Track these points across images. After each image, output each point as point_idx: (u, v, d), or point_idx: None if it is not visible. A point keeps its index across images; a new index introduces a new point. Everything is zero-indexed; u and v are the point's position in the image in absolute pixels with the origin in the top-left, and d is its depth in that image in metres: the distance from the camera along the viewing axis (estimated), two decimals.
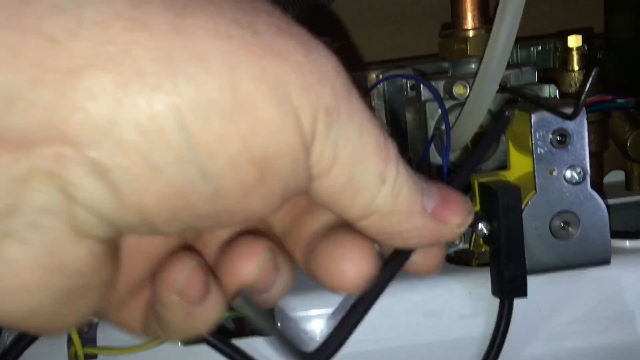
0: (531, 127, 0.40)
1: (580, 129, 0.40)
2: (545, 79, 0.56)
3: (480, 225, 0.42)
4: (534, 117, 0.39)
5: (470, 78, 0.47)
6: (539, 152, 0.40)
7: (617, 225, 0.62)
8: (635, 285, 0.43)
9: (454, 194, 0.20)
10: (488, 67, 0.41)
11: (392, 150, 0.18)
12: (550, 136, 0.40)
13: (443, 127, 0.43)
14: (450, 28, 0.51)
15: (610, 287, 0.43)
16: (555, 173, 0.40)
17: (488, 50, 0.41)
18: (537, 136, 0.40)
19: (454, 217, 0.20)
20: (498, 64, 0.41)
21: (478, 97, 0.41)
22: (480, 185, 0.43)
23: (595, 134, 0.55)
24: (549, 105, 0.38)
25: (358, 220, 0.19)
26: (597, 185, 0.57)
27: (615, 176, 0.59)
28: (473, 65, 0.49)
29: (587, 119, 0.54)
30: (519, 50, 0.57)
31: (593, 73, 0.33)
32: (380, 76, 0.57)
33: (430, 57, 0.59)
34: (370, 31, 0.77)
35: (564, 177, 0.40)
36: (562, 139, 0.39)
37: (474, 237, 0.44)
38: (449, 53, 0.50)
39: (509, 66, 0.50)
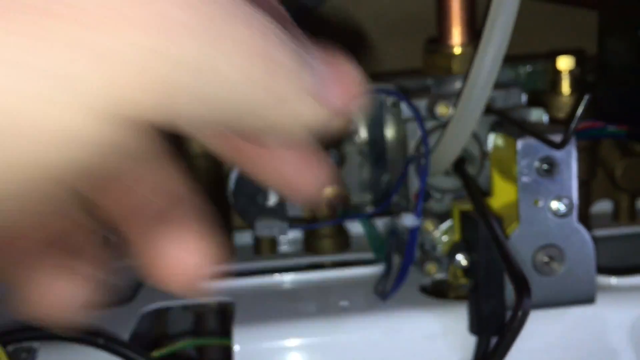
0: (517, 153, 0.37)
1: (569, 158, 0.37)
2: (534, 102, 0.53)
3: (459, 257, 0.39)
4: (520, 144, 0.37)
5: (454, 97, 0.44)
6: (523, 181, 0.37)
7: (604, 258, 0.59)
8: (619, 324, 0.41)
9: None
10: (473, 87, 0.38)
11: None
12: (536, 164, 0.37)
13: (423, 149, 0.40)
14: (435, 43, 0.48)
15: (594, 327, 0.40)
16: (540, 204, 0.37)
17: (474, 69, 0.39)
18: (523, 164, 0.37)
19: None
20: (484, 84, 0.38)
21: (462, 119, 0.39)
22: (462, 213, 0.40)
23: (583, 162, 0.52)
24: (537, 132, 0.35)
25: None
26: (584, 215, 0.54)
27: (602, 205, 0.57)
28: (458, 84, 0.47)
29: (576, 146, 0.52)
30: (507, 71, 0.54)
31: (584, 101, 0.30)
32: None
33: (414, 72, 0.56)
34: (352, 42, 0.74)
35: (550, 209, 0.37)
36: (549, 168, 0.37)
37: (452, 268, 0.41)
38: (433, 69, 0.47)
39: (496, 86, 0.47)
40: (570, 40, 0.61)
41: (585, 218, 0.54)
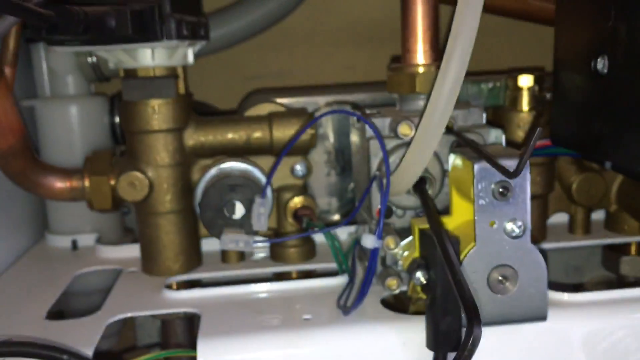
0: (474, 177, 0.38)
1: (523, 183, 0.38)
2: (495, 117, 0.55)
3: (418, 274, 0.41)
4: (476, 167, 0.38)
5: (417, 115, 0.46)
6: (480, 203, 0.39)
7: (559, 267, 0.62)
8: (572, 339, 0.43)
9: None
10: (435, 109, 0.39)
11: None
12: (492, 188, 0.38)
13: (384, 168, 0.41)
14: (399, 61, 0.49)
15: (548, 341, 0.42)
16: (495, 225, 0.39)
17: (435, 90, 0.40)
18: (480, 187, 0.38)
19: None
20: (445, 106, 0.39)
21: (423, 140, 0.40)
22: (420, 231, 0.42)
23: (541, 176, 0.54)
24: (493, 158, 0.36)
25: None
26: (541, 227, 0.56)
27: (559, 217, 0.59)
28: (421, 102, 0.48)
29: (534, 161, 0.54)
30: (469, 87, 0.55)
31: (537, 134, 0.32)
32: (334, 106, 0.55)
33: (384, 83, 0.57)
34: (323, 50, 0.75)
35: (505, 230, 0.39)
36: (505, 191, 0.38)
37: (412, 282, 0.43)
38: (397, 87, 0.48)
39: (458, 105, 0.49)
40: (534, 56, 0.62)
41: (542, 230, 0.57)
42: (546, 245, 0.56)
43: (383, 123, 0.45)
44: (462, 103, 0.50)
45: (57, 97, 0.63)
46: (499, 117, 0.55)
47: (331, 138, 0.62)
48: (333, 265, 0.51)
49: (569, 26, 0.40)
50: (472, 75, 0.59)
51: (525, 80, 0.53)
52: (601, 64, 0.37)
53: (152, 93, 0.49)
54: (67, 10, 0.36)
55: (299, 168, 0.54)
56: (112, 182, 0.51)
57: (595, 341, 0.43)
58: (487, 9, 0.67)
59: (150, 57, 0.49)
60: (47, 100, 0.63)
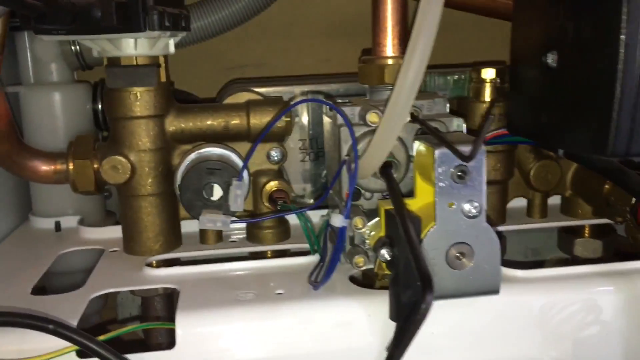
0: (434, 162, 0.41)
1: (479, 167, 0.42)
2: (456, 111, 0.58)
3: (383, 251, 0.44)
4: (437, 153, 0.41)
5: (385, 105, 0.49)
6: (440, 186, 0.42)
7: (518, 249, 0.66)
8: (525, 312, 0.46)
9: None
10: (398, 98, 0.42)
11: None
12: (451, 171, 0.42)
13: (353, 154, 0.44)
14: (369, 53, 0.52)
15: (501, 315, 0.46)
16: (454, 206, 0.42)
17: (398, 81, 0.43)
18: (440, 171, 0.42)
19: None
20: (407, 96, 0.42)
21: (387, 127, 0.43)
22: (386, 212, 0.45)
23: (501, 163, 0.58)
24: (451, 144, 0.40)
25: None
26: (501, 211, 0.60)
27: (518, 202, 0.62)
28: (389, 93, 0.51)
29: (495, 149, 0.57)
30: (435, 78, 0.59)
31: (488, 121, 0.35)
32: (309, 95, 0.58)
33: (357, 74, 0.60)
34: (300, 42, 0.78)
35: (462, 211, 0.42)
36: (462, 175, 0.42)
37: (378, 260, 0.46)
38: (367, 79, 0.51)
39: (423, 95, 0.52)
40: (499, 50, 0.66)
41: (502, 213, 0.60)
42: (505, 228, 0.60)
43: (353, 111, 0.48)
44: (427, 93, 0.53)
45: (41, 84, 0.65)
46: (463, 107, 0.58)
47: (306, 126, 0.65)
48: (306, 246, 0.54)
49: (524, 23, 0.43)
50: (439, 67, 0.63)
51: (488, 73, 0.57)
52: (551, 59, 0.40)
53: (134, 81, 0.51)
54: (55, 0, 0.38)
55: (274, 154, 0.57)
56: (96, 166, 0.54)
57: (548, 314, 0.46)
58: (456, 5, 0.71)
59: (133, 46, 0.51)
60: (31, 86, 0.65)
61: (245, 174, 0.53)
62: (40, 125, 0.64)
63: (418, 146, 0.46)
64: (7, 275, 0.52)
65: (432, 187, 0.43)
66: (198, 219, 0.49)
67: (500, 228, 0.60)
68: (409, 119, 0.45)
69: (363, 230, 0.46)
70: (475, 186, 0.42)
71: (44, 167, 0.53)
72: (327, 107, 0.52)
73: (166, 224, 0.55)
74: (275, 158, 0.57)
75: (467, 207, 0.42)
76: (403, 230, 0.38)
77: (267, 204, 0.56)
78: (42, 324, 0.38)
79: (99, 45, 0.51)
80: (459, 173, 0.42)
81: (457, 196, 0.42)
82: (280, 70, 0.76)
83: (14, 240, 0.62)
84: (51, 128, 0.64)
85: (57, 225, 0.64)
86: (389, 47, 0.51)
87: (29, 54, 0.65)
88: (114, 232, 0.59)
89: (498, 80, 0.57)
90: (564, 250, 0.63)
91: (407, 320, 0.33)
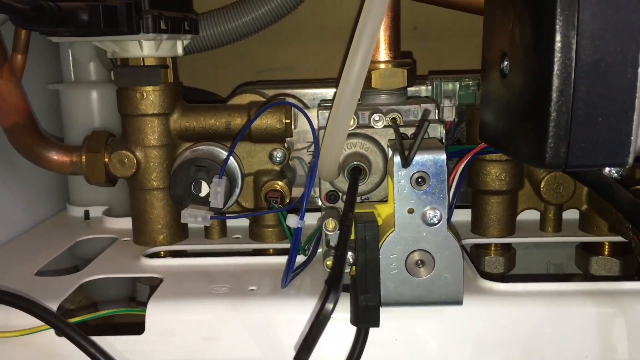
0: (392, 165, 0.41)
1: (440, 173, 0.41)
2: (469, 120, 0.57)
3: (348, 254, 0.44)
4: (395, 157, 0.41)
5: (371, 109, 0.49)
6: (399, 191, 0.41)
7: (530, 263, 0.63)
8: (493, 323, 0.44)
9: None
10: (340, 98, 0.42)
11: None
12: (410, 176, 0.41)
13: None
14: None
15: (466, 326, 0.44)
16: (413, 213, 0.41)
17: (341, 81, 0.42)
18: (398, 175, 0.41)
19: None
20: (349, 96, 0.41)
21: (331, 127, 0.43)
22: (355, 216, 0.45)
23: (506, 173, 0.56)
24: (402, 149, 0.39)
25: None
26: (508, 223, 0.58)
27: (532, 214, 0.60)
28: (382, 97, 0.51)
29: (499, 158, 0.55)
30: (443, 84, 0.58)
31: (424, 127, 0.34)
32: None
33: None
34: (331, 45, 0.78)
35: (423, 218, 0.42)
36: (421, 181, 0.41)
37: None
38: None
39: (414, 101, 0.51)
40: None
41: (510, 225, 0.58)
42: (513, 240, 0.57)
43: (324, 115, 0.48)
44: (418, 99, 0.52)
45: (79, 82, 0.70)
46: (472, 115, 0.57)
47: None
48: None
49: (489, 28, 0.41)
50: (450, 73, 0.61)
51: None
52: (505, 65, 0.38)
53: (139, 80, 0.55)
54: (41, 5, 0.42)
55: (275, 155, 0.58)
56: (106, 159, 0.57)
57: (520, 330, 0.44)
58: (473, 9, 0.69)
59: (138, 48, 0.54)
60: (70, 84, 0.70)
61: (237, 173, 0.54)
62: (78, 121, 0.70)
63: (391, 152, 0.45)
64: (23, 256, 0.57)
65: None
66: None
67: (508, 240, 0.58)
68: (353, 119, 0.45)
69: (333, 232, 0.47)
70: (436, 193, 0.41)
71: (61, 159, 0.58)
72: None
73: (170, 217, 0.58)
74: (278, 159, 0.58)
75: (428, 214, 0.41)
76: (340, 233, 0.38)
77: (264, 202, 0.57)
78: (15, 300, 0.42)
79: (108, 46, 0.54)
80: (419, 179, 0.41)
81: (417, 202, 0.41)
82: (310, 74, 0.78)
83: (46, 226, 0.67)
84: (88, 124, 0.69)
85: (86, 214, 0.69)
86: (380, 51, 0.51)
87: (69, 55, 0.70)
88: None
89: None
90: (580, 267, 0.60)
91: (315, 323, 0.33)
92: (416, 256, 0.42)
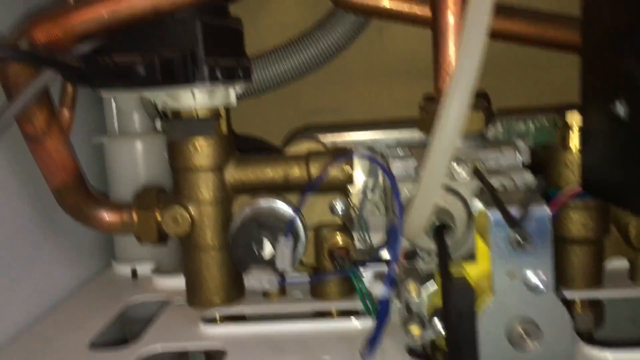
0: (489, 225, 0.37)
1: (544, 232, 0.36)
2: (545, 162, 0.52)
3: (436, 322, 0.39)
4: (490, 215, 0.36)
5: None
6: (497, 252, 0.37)
7: (618, 320, 0.57)
8: None
9: None
10: (435, 151, 0.38)
11: None
12: (509, 236, 0.36)
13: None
14: (432, 99, 0.48)
15: None
16: (514, 276, 0.37)
17: (436, 132, 0.38)
18: (495, 235, 0.37)
19: None
20: (446, 148, 0.37)
21: (426, 183, 0.39)
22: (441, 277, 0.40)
23: (592, 219, 0.51)
24: (503, 205, 0.35)
25: None
26: (595, 274, 0.52)
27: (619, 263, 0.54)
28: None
29: (585, 205, 0.50)
30: (514, 124, 0.53)
31: (537, 183, 0.30)
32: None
33: None
34: (379, 85, 0.75)
35: (525, 282, 0.37)
36: (522, 241, 0.36)
37: None
38: (427, 128, 0.47)
39: (490, 146, 0.47)
40: None
41: (597, 275, 0.53)
42: (601, 294, 0.52)
43: (407, 166, 0.44)
44: (496, 143, 0.48)
45: (124, 134, 0.67)
46: (548, 156, 0.52)
47: (380, 177, 0.62)
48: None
49: (592, 66, 0.37)
50: (522, 112, 0.57)
51: (575, 117, 0.50)
52: (621, 109, 0.34)
53: (193, 132, 0.51)
54: (96, 61, 0.39)
55: (337, 206, 0.54)
56: (158, 217, 0.54)
57: None
58: (531, 40, 0.64)
59: (191, 98, 0.51)
60: (115, 136, 0.67)
61: (301, 230, 0.50)
62: (123, 174, 0.66)
63: (478, 206, 0.41)
64: (73, 325, 0.53)
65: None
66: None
67: (596, 294, 0.53)
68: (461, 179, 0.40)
69: (416, 297, 0.42)
70: (539, 254, 0.37)
71: (111, 218, 0.54)
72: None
73: (227, 277, 0.54)
74: (340, 210, 0.54)
75: (530, 277, 0.37)
76: (444, 307, 0.34)
77: (328, 259, 0.53)
78: None
79: (159, 98, 0.51)
80: (519, 239, 0.36)
81: (518, 264, 0.37)
82: (359, 115, 0.74)
83: (92, 288, 0.63)
84: (133, 176, 0.66)
85: (134, 273, 0.65)
86: None
87: (113, 105, 0.67)
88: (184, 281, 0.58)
89: None
90: None
91: None
92: (520, 327, 0.37)
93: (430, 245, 0.43)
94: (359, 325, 0.48)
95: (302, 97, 0.75)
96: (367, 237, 0.59)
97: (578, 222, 0.51)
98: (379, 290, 0.40)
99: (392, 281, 0.40)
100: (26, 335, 0.51)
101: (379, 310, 0.40)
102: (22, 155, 0.52)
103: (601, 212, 0.51)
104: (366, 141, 0.59)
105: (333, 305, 0.53)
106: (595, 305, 0.53)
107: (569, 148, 0.50)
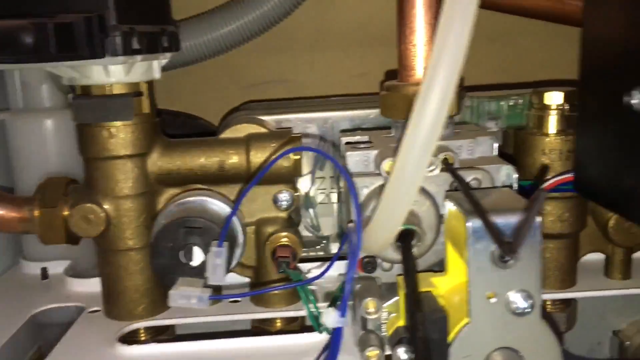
0: (467, 236, 0.30)
1: (534, 245, 0.30)
2: (515, 142, 0.46)
3: (400, 350, 0.33)
4: (470, 225, 0.30)
5: None
6: (475, 270, 0.30)
7: (595, 320, 0.52)
8: None
9: None
10: (412, 146, 0.30)
11: None
12: (491, 250, 0.30)
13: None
14: (395, 80, 0.41)
15: None
16: (495, 298, 0.31)
17: (412, 121, 0.31)
18: (474, 249, 0.30)
19: None
20: (425, 144, 0.30)
21: (396, 188, 0.31)
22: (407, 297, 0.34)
23: (570, 212, 0.45)
24: (486, 218, 0.28)
25: None
26: (570, 272, 0.47)
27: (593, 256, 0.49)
28: None
29: (562, 195, 0.45)
30: (486, 104, 0.47)
31: (539, 199, 0.23)
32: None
33: None
34: (331, 54, 0.67)
35: (507, 305, 0.31)
36: (506, 257, 0.30)
37: None
38: (390, 111, 0.40)
39: (463, 133, 0.40)
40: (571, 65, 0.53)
41: (572, 274, 0.48)
42: (576, 294, 0.47)
43: (367, 157, 0.37)
44: (470, 129, 0.41)
45: (30, 110, 0.57)
46: (521, 140, 0.46)
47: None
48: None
49: (594, 43, 0.30)
50: (492, 89, 0.51)
51: (553, 98, 0.44)
52: (637, 99, 0.27)
53: (106, 115, 0.42)
54: None
55: (282, 198, 0.46)
56: (66, 213, 0.45)
57: None
58: (518, 10, 0.58)
59: (103, 73, 0.42)
60: (18, 112, 0.57)
61: (239, 231, 0.43)
62: (30, 155, 0.57)
63: (449, 207, 0.34)
64: None
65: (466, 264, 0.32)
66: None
67: (571, 294, 0.47)
68: (429, 172, 0.34)
69: (376, 315, 0.35)
70: (526, 271, 0.30)
71: (7, 215, 0.45)
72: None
73: (150, 283, 0.46)
74: (284, 203, 0.46)
75: (514, 299, 0.31)
76: (410, 333, 0.27)
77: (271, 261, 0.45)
78: None
79: (62, 72, 0.42)
80: (502, 254, 0.30)
81: (499, 284, 0.30)
82: (307, 88, 0.66)
83: None
84: (42, 159, 0.56)
85: (44, 273, 0.56)
86: (420, 70, 0.39)
87: (16, 78, 0.57)
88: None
89: (567, 107, 0.44)
90: None
91: None
92: (501, 356, 0.31)
93: (392, 253, 0.36)
94: (307, 339, 0.41)
95: (242, 69, 0.66)
96: (314, 221, 0.53)
97: (555, 216, 0.45)
98: (329, 319, 0.33)
99: (345, 309, 0.33)
100: None
101: (332, 340, 0.33)
102: None
103: (579, 204, 0.45)
104: (317, 119, 0.51)
105: (277, 315, 0.46)
106: (568, 305, 0.48)
107: (546, 132, 0.44)
